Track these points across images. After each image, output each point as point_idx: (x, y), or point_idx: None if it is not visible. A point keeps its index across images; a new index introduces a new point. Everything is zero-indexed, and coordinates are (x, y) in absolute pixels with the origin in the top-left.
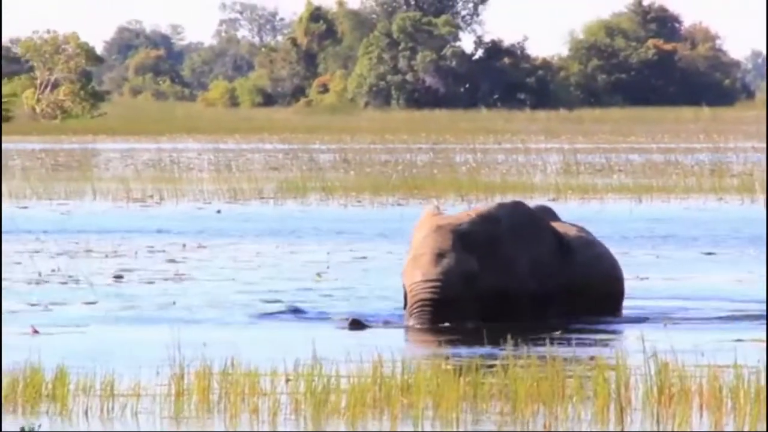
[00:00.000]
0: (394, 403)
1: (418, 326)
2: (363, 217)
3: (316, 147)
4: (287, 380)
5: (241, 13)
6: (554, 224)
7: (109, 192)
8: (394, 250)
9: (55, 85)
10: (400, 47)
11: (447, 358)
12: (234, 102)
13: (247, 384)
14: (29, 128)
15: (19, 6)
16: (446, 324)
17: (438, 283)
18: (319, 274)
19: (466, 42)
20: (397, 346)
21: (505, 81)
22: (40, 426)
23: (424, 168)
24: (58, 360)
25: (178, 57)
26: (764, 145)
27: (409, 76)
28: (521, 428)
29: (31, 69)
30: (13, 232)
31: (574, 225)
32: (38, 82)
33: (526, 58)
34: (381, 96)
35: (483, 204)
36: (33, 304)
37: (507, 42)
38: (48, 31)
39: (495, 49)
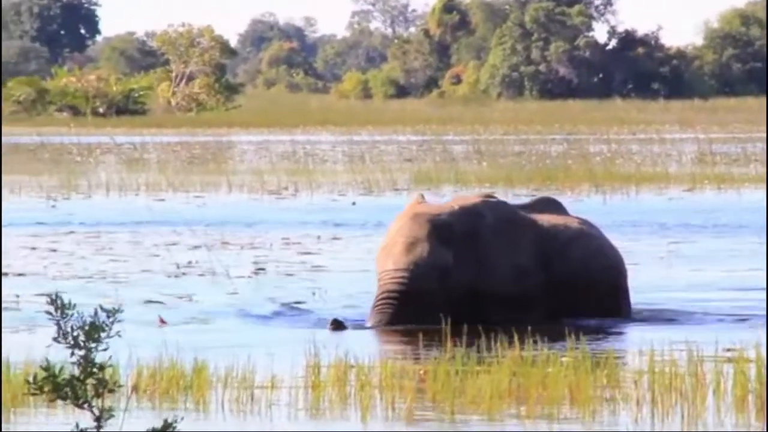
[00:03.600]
0: (530, 394)
1: (380, 324)
2: None
3: (449, 138)
4: (423, 372)
5: (373, 4)
6: (551, 218)
7: (244, 184)
8: None
9: (190, 78)
10: (533, 38)
11: (579, 350)
12: (367, 94)
13: (384, 376)
14: (164, 121)
15: (155, 0)
16: (408, 323)
17: (407, 274)
18: None
19: (600, 32)
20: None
21: (639, 71)
22: (182, 419)
23: (557, 158)
24: (195, 352)
25: (311, 49)
26: None
27: (542, 67)
28: (660, 421)
29: (167, 62)
30: (150, 224)
31: (576, 218)
32: (173, 75)
33: (660, 47)
34: (514, 86)
35: (467, 197)
36: (165, 296)
37: (641, 32)
38: (183, 25)
39: (629, 39)
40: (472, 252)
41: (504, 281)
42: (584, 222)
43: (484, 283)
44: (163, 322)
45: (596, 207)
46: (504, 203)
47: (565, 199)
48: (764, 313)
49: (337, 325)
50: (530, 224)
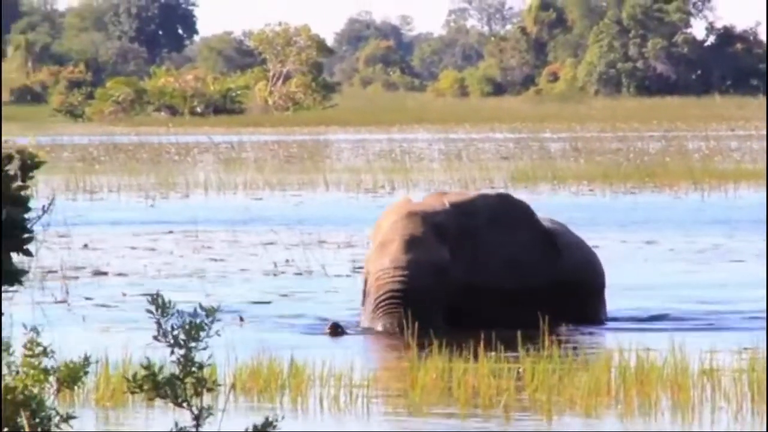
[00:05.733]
0: (629, 393)
1: (387, 326)
2: (594, 206)
3: (546, 136)
4: (522, 370)
5: (470, 2)
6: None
7: (341, 182)
8: (628, 239)
9: (287, 77)
10: (630, 34)
11: (677, 349)
12: (464, 92)
13: (477, 373)
14: (262, 120)
15: (252, 0)
16: (416, 323)
17: (408, 272)
18: None
19: (698, 28)
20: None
21: (738, 67)
22: (283, 417)
23: (656, 155)
24: (292, 351)
25: (407, 48)
26: None
27: (639, 64)
28: (761, 419)
29: (264, 61)
30: (248, 223)
31: (550, 220)
32: (270, 74)
33: (759, 43)
34: (611, 84)
35: (462, 193)
36: (263, 295)
37: (739, 28)
38: (280, 24)
39: (727, 35)
40: (468, 250)
41: (498, 276)
42: (560, 224)
43: (478, 279)
44: (242, 320)
45: (694, 204)
46: (505, 196)
47: (663, 197)
48: None
49: (336, 330)
50: (532, 220)
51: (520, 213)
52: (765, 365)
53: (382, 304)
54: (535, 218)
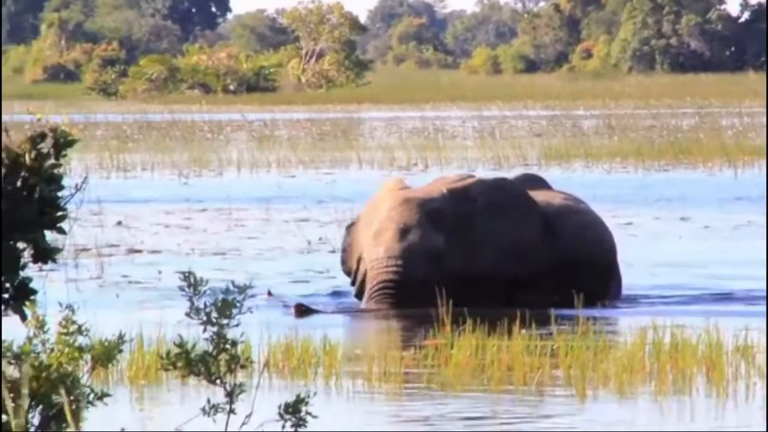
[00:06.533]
0: (663, 370)
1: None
2: (627, 183)
3: (580, 113)
4: (556, 347)
5: None
6: (540, 194)
7: (374, 160)
8: (662, 216)
9: (320, 55)
10: (664, 11)
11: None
12: (497, 69)
13: (511, 351)
14: (295, 98)
15: None
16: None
17: (402, 262)
18: None
19: (732, 4)
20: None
21: None
22: (315, 394)
23: (689, 132)
24: (325, 329)
25: (441, 25)
26: None
27: (673, 40)
28: None
29: (297, 39)
30: (281, 200)
31: (562, 193)
32: (303, 52)
33: None
34: (645, 60)
35: (459, 178)
36: (297, 273)
37: None
38: (312, 1)
39: (761, 11)
40: (465, 237)
41: (497, 263)
42: (572, 197)
43: (476, 267)
44: (270, 294)
45: (728, 181)
46: (502, 180)
47: (697, 174)
48: None
49: (301, 310)
50: (531, 205)
51: (517, 198)
52: None
53: (375, 295)
54: (532, 203)
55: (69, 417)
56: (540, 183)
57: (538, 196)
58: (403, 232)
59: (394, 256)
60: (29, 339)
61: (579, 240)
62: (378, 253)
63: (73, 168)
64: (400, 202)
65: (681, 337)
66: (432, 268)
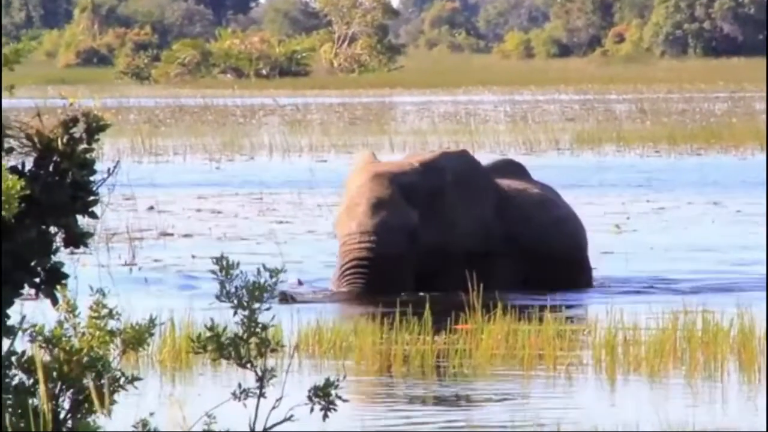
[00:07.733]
0: (694, 355)
1: (350, 291)
2: (660, 168)
3: (612, 97)
4: (586, 332)
5: None
6: (514, 182)
7: (406, 145)
8: (695, 201)
9: (353, 40)
10: None
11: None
12: (529, 53)
13: (541, 335)
14: (327, 82)
15: None
16: (380, 289)
17: (375, 237)
18: (617, 226)
19: None
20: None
21: None
22: (344, 377)
23: (722, 116)
24: (354, 313)
25: (473, 9)
26: None
27: (706, 24)
28: None
29: (329, 24)
30: (313, 185)
31: (541, 184)
32: (336, 36)
33: None
34: (677, 45)
35: (425, 152)
36: (328, 257)
37: None
38: None
39: None
40: (437, 210)
41: (467, 236)
42: (551, 190)
43: (449, 241)
44: (300, 283)
45: (760, 165)
46: (465, 153)
47: (729, 158)
48: None
49: (284, 297)
50: (488, 178)
51: (477, 172)
52: None
53: (347, 273)
54: (490, 178)
55: (96, 401)
56: (519, 170)
57: (514, 184)
58: (376, 207)
59: (367, 232)
60: (60, 323)
61: (551, 231)
62: (350, 227)
63: (106, 152)
64: (372, 177)
65: (713, 322)
66: (406, 243)
